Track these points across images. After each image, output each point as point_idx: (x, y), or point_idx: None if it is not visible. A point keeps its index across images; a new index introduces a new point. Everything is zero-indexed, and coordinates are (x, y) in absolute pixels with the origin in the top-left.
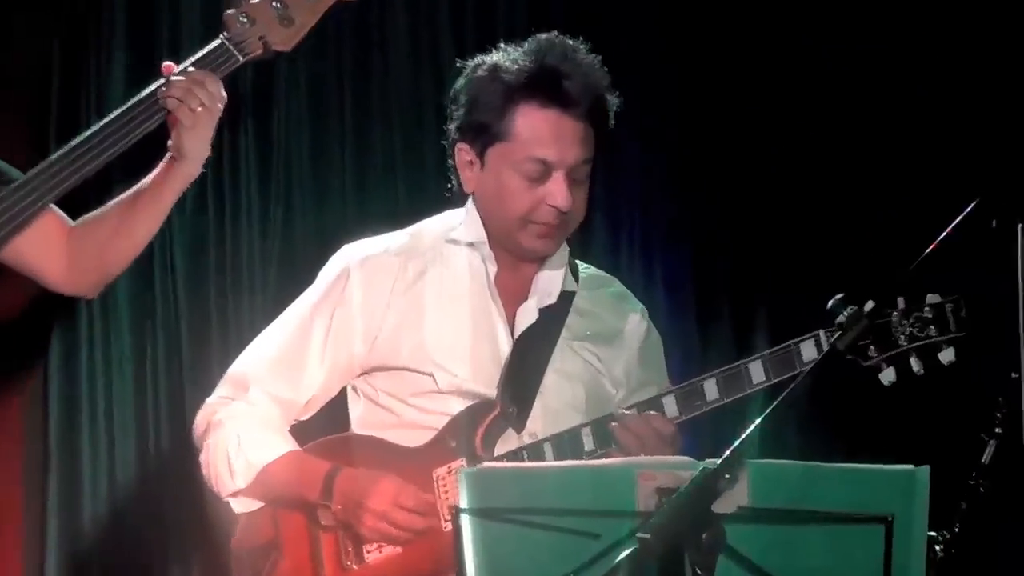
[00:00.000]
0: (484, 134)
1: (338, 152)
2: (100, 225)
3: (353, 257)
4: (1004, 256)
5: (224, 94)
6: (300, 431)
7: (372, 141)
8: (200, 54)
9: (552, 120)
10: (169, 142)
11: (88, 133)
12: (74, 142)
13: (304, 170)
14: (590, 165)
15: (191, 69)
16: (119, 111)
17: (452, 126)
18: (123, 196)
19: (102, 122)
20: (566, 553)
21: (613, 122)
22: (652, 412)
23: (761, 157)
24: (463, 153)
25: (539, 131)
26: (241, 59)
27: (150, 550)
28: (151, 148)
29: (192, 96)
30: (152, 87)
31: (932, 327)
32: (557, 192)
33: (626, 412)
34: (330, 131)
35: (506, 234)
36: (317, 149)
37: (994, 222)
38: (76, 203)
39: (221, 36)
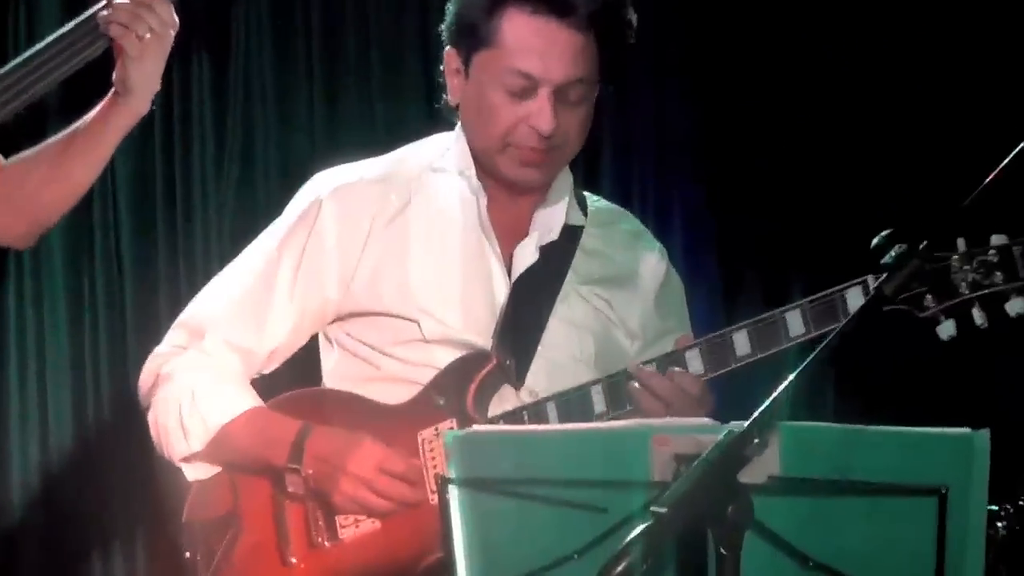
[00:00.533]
0: (470, 38)
1: (304, 74)
2: (32, 168)
3: (326, 186)
4: None
5: (175, 19)
6: (263, 386)
7: (345, 58)
8: None
9: (542, 28)
10: (113, 74)
11: (16, 61)
12: None
13: (266, 96)
14: (588, 87)
15: None
16: (55, 36)
17: (444, 27)
18: (58, 136)
19: (34, 48)
20: (569, 530)
21: (631, 40)
22: (677, 368)
23: (799, 80)
24: (451, 59)
25: (526, 40)
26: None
27: (88, 523)
28: (93, 81)
29: (139, 21)
30: (93, 9)
31: (998, 273)
32: (539, 112)
33: (645, 367)
34: (295, 50)
35: (488, 158)
36: (280, 71)
37: None
38: (3, 145)
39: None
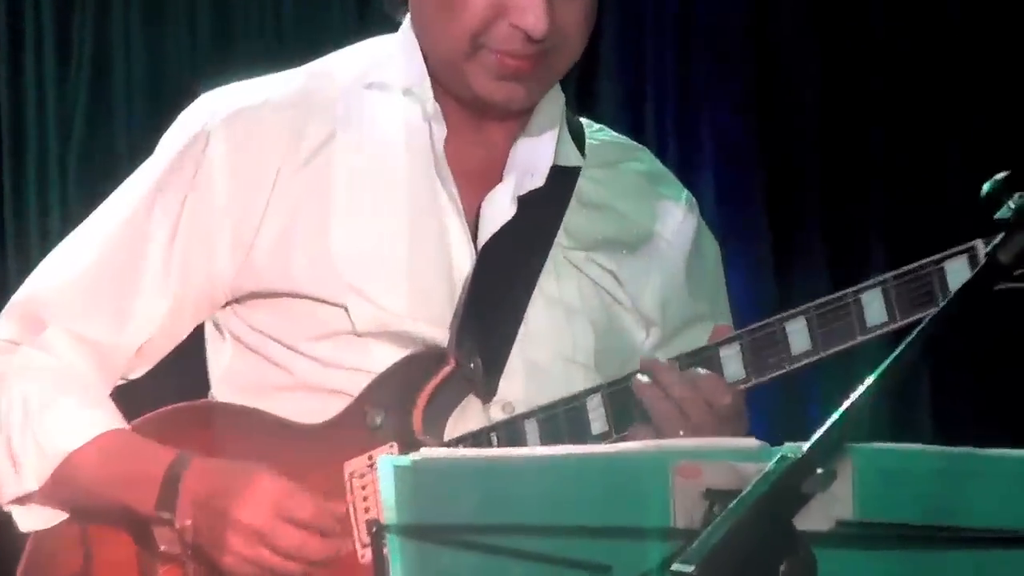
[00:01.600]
0: None
1: None
2: None
3: (215, 112)
4: None
5: None
6: (129, 397)
7: None
8: None
9: None
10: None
11: None
12: None
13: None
14: None
15: None
16: None
17: None
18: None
19: None
20: None
21: None
22: (702, 371)
23: None
24: None
25: None
26: None
27: None
28: None
29: None
30: None
31: None
32: (528, 5)
33: (660, 364)
34: None
35: (450, 68)
36: None
37: None
38: None
39: None
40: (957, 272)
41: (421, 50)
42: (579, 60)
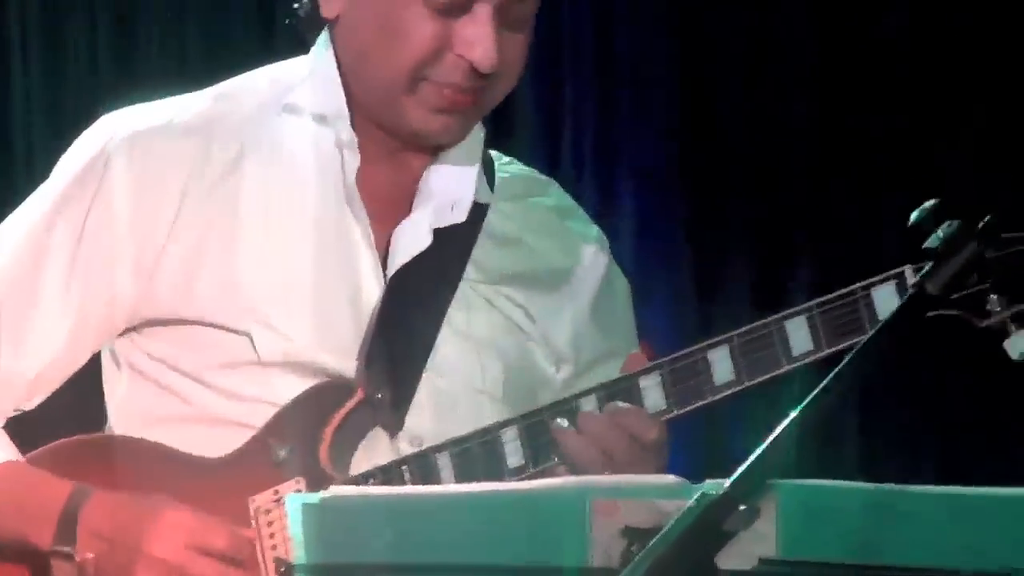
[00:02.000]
0: None
1: None
2: None
3: (117, 133)
4: None
5: None
6: (24, 430)
7: None
8: None
9: None
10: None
11: None
12: None
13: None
14: (534, 3)
15: None
16: None
17: None
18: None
19: None
20: None
21: None
22: (623, 404)
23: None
24: None
25: None
26: None
27: None
28: None
29: None
30: None
31: None
32: (477, 38)
33: (581, 401)
34: None
35: (385, 99)
36: None
37: None
38: None
39: None
40: (885, 299)
41: (342, 75)
42: None
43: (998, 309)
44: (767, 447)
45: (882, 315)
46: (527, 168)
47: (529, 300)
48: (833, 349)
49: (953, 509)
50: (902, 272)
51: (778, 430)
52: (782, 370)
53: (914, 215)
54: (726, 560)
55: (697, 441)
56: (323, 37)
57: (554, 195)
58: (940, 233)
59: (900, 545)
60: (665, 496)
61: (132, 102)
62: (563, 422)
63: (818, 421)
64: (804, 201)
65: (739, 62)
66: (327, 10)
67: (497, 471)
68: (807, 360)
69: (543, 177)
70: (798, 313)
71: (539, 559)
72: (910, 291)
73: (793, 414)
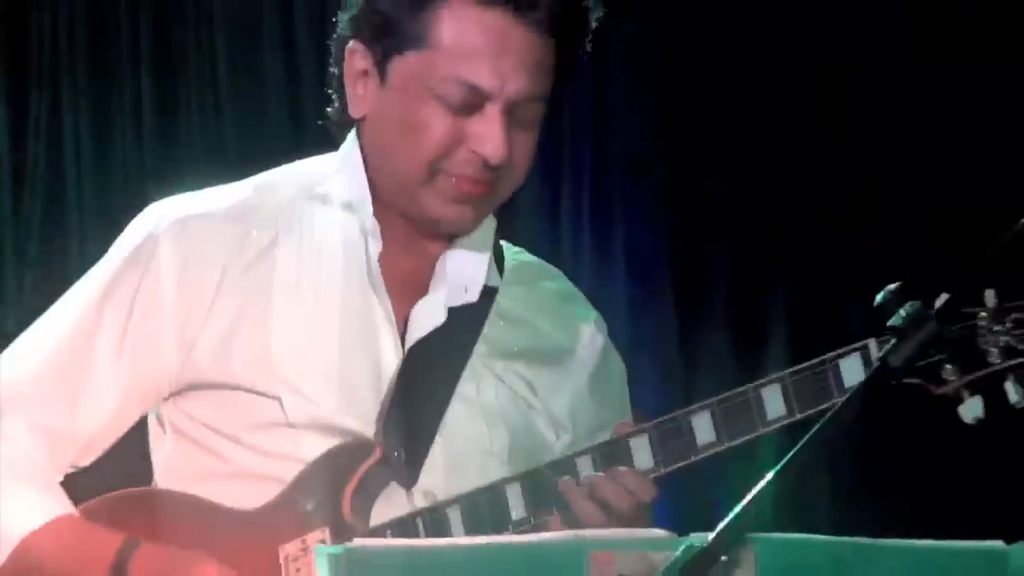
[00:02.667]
0: (390, 34)
1: (129, 74)
2: None
3: (164, 219)
4: None
5: None
6: (76, 486)
7: (182, 54)
8: None
9: (495, 27)
10: None
11: None
12: None
13: (76, 95)
14: (543, 105)
15: None
16: None
17: (345, 15)
18: None
19: None
20: None
21: (588, 44)
22: (624, 468)
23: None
24: (356, 57)
25: (473, 41)
26: None
27: None
28: None
29: None
30: None
31: None
32: (488, 135)
33: (578, 460)
34: (115, 40)
35: (405, 190)
36: (96, 68)
37: None
38: None
39: None
40: (851, 369)
41: (367, 169)
42: None
43: (953, 378)
44: (746, 504)
45: (848, 383)
46: (534, 257)
47: (533, 374)
48: (804, 414)
49: (913, 561)
50: (867, 344)
51: (756, 489)
52: (758, 433)
53: (879, 296)
54: None
55: (683, 497)
56: (351, 135)
57: (558, 281)
58: (903, 312)
59: None
60: (655, 548)
61: (175, 190)
62: (571, 480)
63: (793, 481)
64: (778, 280)
65: (724, 152)
66: (355, 111)
67: (502, 523)
68: (780, 424)
69: (549, 265)
70: (772, 381)
71: None
72: (876, 363)
73: (770, 475)
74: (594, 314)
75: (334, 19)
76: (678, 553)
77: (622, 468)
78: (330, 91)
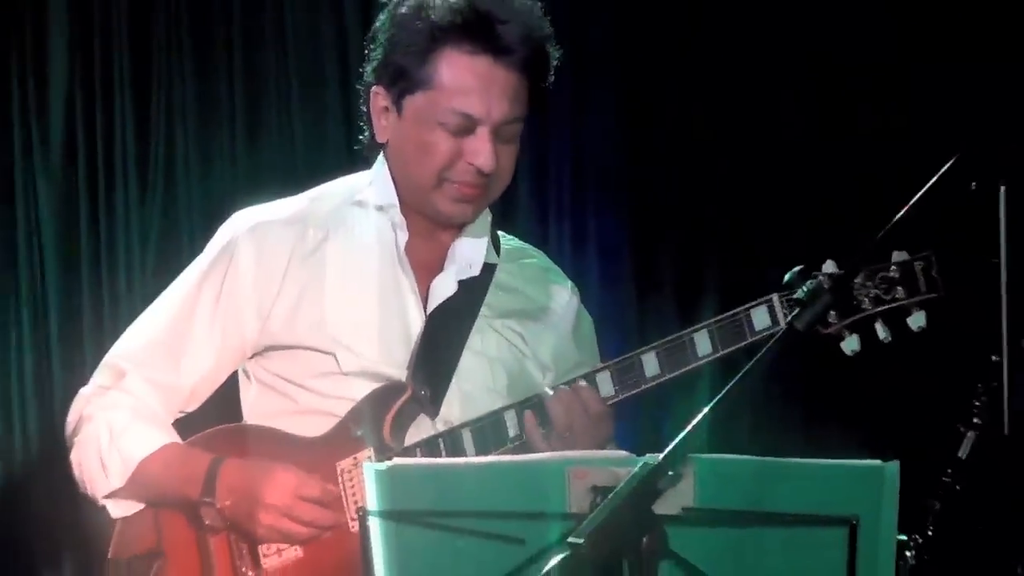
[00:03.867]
0: (403, 79)
1: (227, 112)
2: None
3: (242, 225)
4: (986, 221)
5: None
6: (191, 425)
7: (266, 95)
8: None
9: (481, 69)
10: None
11: None
12: None
13: (188, 134)
14: (521, 124)
15: None
16: None
17: (369, 67)
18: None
19: None
20: (488, 561)
21: (552, 78)
22: (583, 383)
23: (709, 106)
24: (378, 98)
25: (465, 81)
26: None
27: (17, 554)
28: None
29: None
30: None
31: (900, 288)
32: (480, 150)
33: (559, 387)
34: (216, 89)
35: (421, 194)
36: (202, 109)
37: (973, 184)
38: None
39: None
40: (760, 316)
41: (393, 180)
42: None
43: (835, 321)
44: (687, 432)
45: (758, 327)
46: (522, 242)
47: (523, 329)
48: (726, 351)
49: (812, 474)
50: (771, 298)
51: (695, 420)
52: (691, 366)
53: (787, 276)
54: (659, 507)
55: (640, 429)
56: (380, 157)
57: (540, 258)
58: (805, 288)
59: (779, 498)
60: (619, 465)
61: (258, 200)
62: (549, 391)
63: (723, 414)
64: (712, 258)
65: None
66: (380, 138)
67: (501, 439)
68: (708, 359)
69: (532, 247)
70: (702, 327)
71: (533, 508)
72: (782, 315)
73: (705, 410)
74: (569, 283)
75: (360, 69)
76: (636, 468)
77: (581, 383)
78: (361, 123)
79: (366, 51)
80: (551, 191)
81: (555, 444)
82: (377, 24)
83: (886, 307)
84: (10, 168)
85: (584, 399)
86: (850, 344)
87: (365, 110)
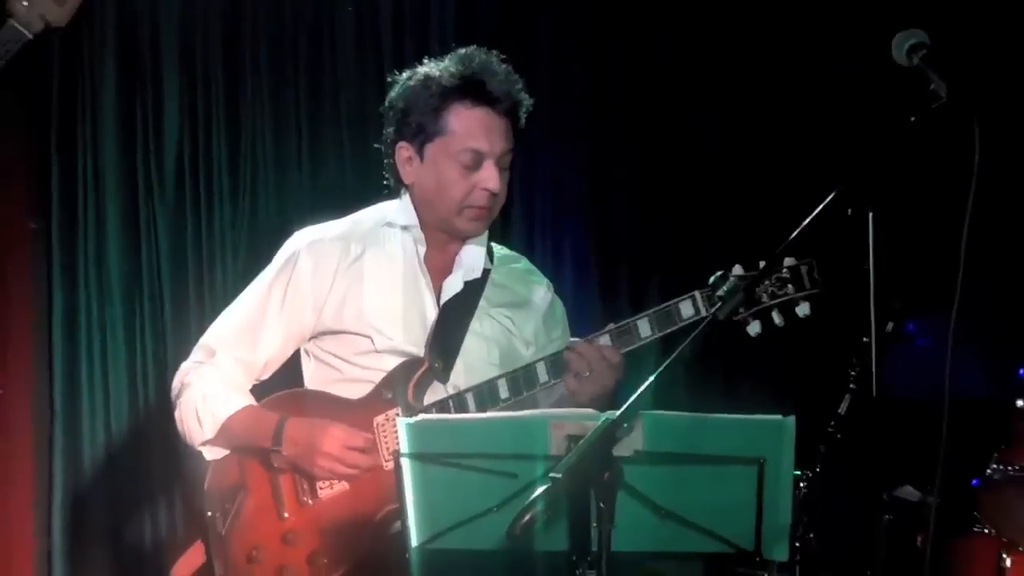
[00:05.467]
0: (422, 133)
1: (295, 150)
2: None
3: (302, 241)
4: (857, 237)
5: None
6: (263, 391)
7: (325, 141)
8: None
9: (481, 116)
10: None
11: None
12: None
13: (268, 166)
14: (511, 155)
15: None
16: None
17: (390, 129)
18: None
19: None
20: (489, 491)
21: (524, 118)
22: (603, 340)
23: (651, 156)
24: (403, 151)
25: (471, 126)
26: (29, 36)
27: (138, 486)
28: None
29: None
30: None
31: (789, 285)
32: (489, 177)
33: (578, 341)
34: (290, 135)
35: (445, 219)
36: (278, 148)
37: (849, 211)
38: None
39: (11, 20)
40: (686, 307)
41: (415, 207)
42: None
43: (743, 312)
44: (637, 395)
45: (685, 315)
46: (509, 250)
47: (512, 315)
48: (662, 333)
49: (731, 427)
50: (694, 294)
51: (643, 386)
52: (636, 345)
53: (712, 278)
54: (617, 451)
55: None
56: (405, 192)
57: (522, 263)
58: (725, 287)
59: (709, 443)
60: (588, 420)
61: (317, 220)
62: (571, 350)
63: (664, 381)
64: (656, 262)
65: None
66: (406, 179)
67: (495, 400)
68: (648, 340)
69: (517, 254)
70: (643, 316)
71: (524, 451)
72: (703, 305)
73: (651, 378)
74: (545, 281)
75: (380, 133)
76: (600, 422)
77: (601, 340)
78: (383, 171)
79: (383, 119)
80: (536, 213)
81: (581, 383)
82: (391, 96)
83: (779, 300)
84: (135, 201)
85: (604, 352)
86: (753, 328)
87: (390, 162)
